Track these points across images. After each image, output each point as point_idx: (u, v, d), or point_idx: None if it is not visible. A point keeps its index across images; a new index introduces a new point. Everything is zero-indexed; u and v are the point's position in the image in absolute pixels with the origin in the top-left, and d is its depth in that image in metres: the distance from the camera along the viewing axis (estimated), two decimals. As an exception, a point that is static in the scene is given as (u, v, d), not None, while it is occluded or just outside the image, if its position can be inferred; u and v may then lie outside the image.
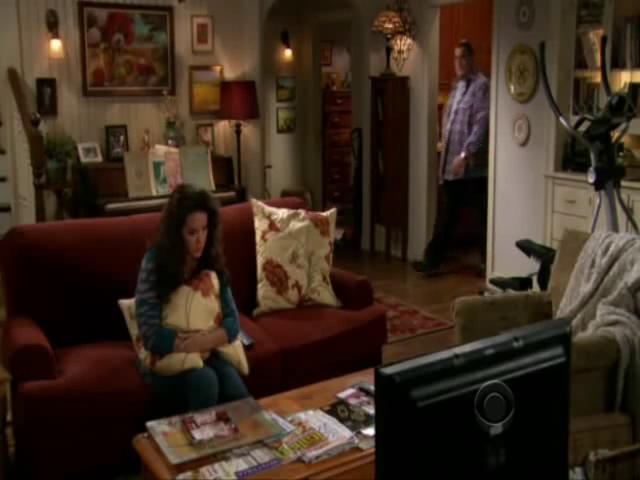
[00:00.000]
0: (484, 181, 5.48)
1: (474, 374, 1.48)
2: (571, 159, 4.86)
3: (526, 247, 4.88)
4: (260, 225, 3.49)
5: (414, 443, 1.41)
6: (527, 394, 1.52)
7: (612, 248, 2.80)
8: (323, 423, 2.31)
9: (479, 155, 5.48)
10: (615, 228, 3.91)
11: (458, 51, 5.49)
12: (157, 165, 5.07)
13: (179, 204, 2.73)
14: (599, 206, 4.02)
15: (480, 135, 5.44)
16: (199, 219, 2.72)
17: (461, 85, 5.56)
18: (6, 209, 5.06)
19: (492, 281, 5.16)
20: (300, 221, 3.49)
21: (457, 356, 1.46)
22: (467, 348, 1.50)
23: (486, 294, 4.77)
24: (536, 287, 4.47)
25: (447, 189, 5.74)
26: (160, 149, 5.22)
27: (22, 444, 2.74)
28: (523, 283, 4.72)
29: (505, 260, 5.40)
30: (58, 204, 5.05)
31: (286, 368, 3.10)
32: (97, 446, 2.71)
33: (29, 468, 2.68)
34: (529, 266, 4.83)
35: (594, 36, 4.69)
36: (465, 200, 5.65)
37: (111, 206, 4.79)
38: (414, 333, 4.61)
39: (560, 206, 4.84)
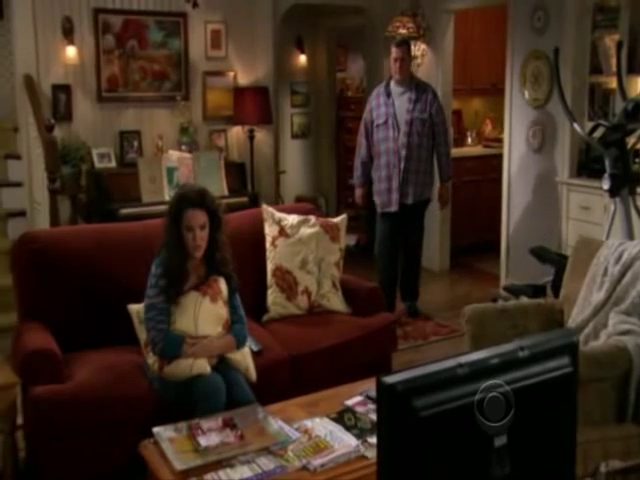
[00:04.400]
0: (428, 201, 4.92)
1: (478, 383, 1.46)
2: (586, 165, 4.82)
3: (540, 254, 4.84)
4: (270, 231, 3.48)
5: (416, 453, 1.39)
6: (533, 404, 1.50)
7: (625, 256, 2.77)
8: (329, 431, 2.30)
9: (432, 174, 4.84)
10: (630, 235, 3.87)
11: (398, 51, 4.63)
12: (170, 170, 5.09)
13: (177, 201, 2.77)
14: (614, 213, 3.98)
15: (449, 154, 4.84)
16: (196, 216, 2.74)
17: (402, 90, 4.68)
18: (22, 214, 5.10)
19: (505, 288, 5.11)
20: (310, 227, 3.48)
21: (461, 365, 1.45)
22: (471, 357, 1.49)
23: (500, 301, 4.73)
24: (550, 294, 4.43)
25: (398, 217, 4.75)
26: (173, 154, 5.24)
27: (32, 447, 2.75)
28: (537, 290, 4.68)
29: (519, 267, 5.35)
30: (72, 209, 5.07)
31: (295, 374, 3.09)
32: (105, 450, 2.72)
33: (38, 471, 2.69)
34: (543, 273, 4.79)
35: (610, 41, 4.65)
36: (409, 221, 4.86)
37: (124, 211, 4.81)
38: (427, 340, 4.58)
39: (575, 213, 4.79)
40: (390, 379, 1.40)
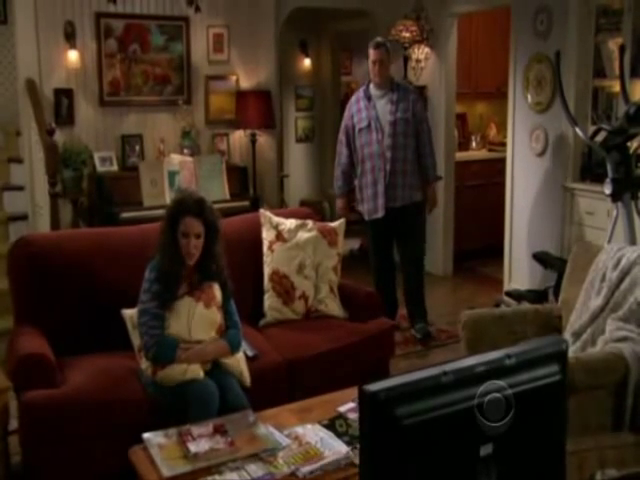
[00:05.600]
0: (420, 205, 4.65)
1: (463, 392, 1.44)
2: (590, 170, 4.78)
3: (543, 259, 4.81)
4: (267, 235, 3.47)
5: (399, 462, 1.37)
6: (520, 413, 1.47)
7: (623, 262, 2.73)
8: (320, 437, 2.27)
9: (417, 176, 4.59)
10: (632, 240, 3.83)
11: (376, 53, 4.41)
12: (172, 174, 5.08)
13: (175, 206, 2.77)
14: (616, 218, 3.94)
15: (434, 153, 4.64)
16: (193, 224, 2.74)
17: (382, 93, 4.49)
18: (24, 217, 5.11)
19: (508, 293, 5.08)
20: (307, 231, 3.47)
21: (445, 373, 1.43)
22: (456, 365, 1.46)
23: (502, 306, 4.70)
24: (552, 300, 4.39)
25: (386, 221, 4.52)
26: (175, 158, 5.24)
27: (26, 452, 2.74)
28: (539, 296, 4.65)
29: (522, 272, 5.31)
30: (74, 213, 5.08)
31: (291, 380, 3.07)
32: (99, 455, 2.70)
33: (34, 476, 2.68)
34: (547, 278, 4.76)
35: (613, 44, 4.61)
36: (401, 230, 4.62)
37: (125, 215, 4.81)
38: (427, 345, 4.54)
39: (578, 217, 4.76)
40: (372, 387, 1.39)
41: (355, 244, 6.83)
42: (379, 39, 4.58)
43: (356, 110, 4.54)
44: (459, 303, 5.27)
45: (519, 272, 5.37)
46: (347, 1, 6.24)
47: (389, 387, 1.39)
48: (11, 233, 5.03)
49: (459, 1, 5.73)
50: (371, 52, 4.46)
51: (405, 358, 4.28)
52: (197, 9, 5.39)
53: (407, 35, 5.87)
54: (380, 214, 4.50)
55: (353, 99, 4.65)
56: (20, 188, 5.17)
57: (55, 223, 4.46)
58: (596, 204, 4.57)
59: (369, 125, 4.46)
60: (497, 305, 4.88)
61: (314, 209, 4.73)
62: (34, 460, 2.67)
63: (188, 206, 2.75)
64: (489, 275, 6.03)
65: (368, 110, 4.48)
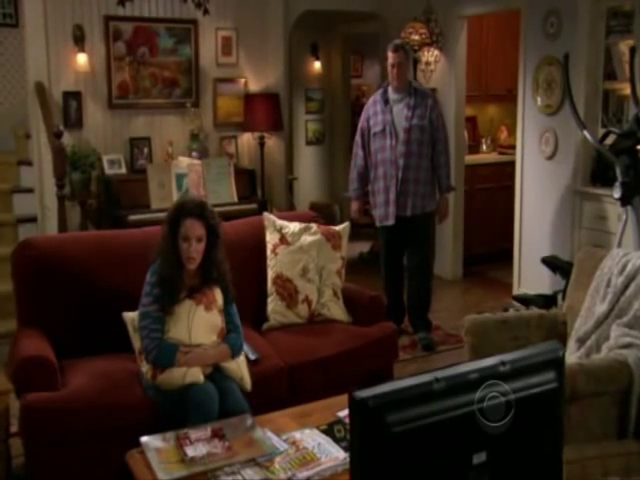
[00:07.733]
0: (432, 214, 4.59)
1: (455, 399, 1.41)
2: (600, 173, 4.72)
3: (552, 263, 4.75)
4: (271, 239, 3.45)
5: (389, 470, 1.35)
6: (514, 421, 1.44)
7: (629, 267, 2.69)
8: (317, 443, 2.25)
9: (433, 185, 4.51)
10: (641, 245, 3.78)
11: (394, 57, 4.30)
12: (180, 177, 5.10)
13: (176, 209, 2.76)
14: (625, 222, 3.90)
15: (449, 163, 4.54)
16: (194, 227, 2.72)
17: (400, 97, 4.37)
18: (33, 219, 5.14)
19: (516, 298, 5.03)
20: (311, 235, 3.45)
21: (437, 380, 1.41)
22: (449, 372, 1.45)
23: (511, 311, 4.65)
24: (561, 304, 4.34)
25: (396, 230, 4.45)
26: (183, 161, 5.25)
27: (28, 455, 2.74)
28: (548, 300, 4.59)
29: (532, 276, 5.27)
30: (82, 215, 5.10)
31: (292, 384, 3.05)
32: (99, 458, 2.69)
33: (34, 479, 2.68)
34: (557, 283, 4.70)
35: (624, 46, 4.57)
36: (410, 238, 4.52)
37: (133, 217, 4.82)
38: (434, 350, 4.51)
39: (588, 222, 4.71)
40: (362, 394, 1.37)
41: (366, 247, 6.81)
42: (397, 42, 4.50)
43: (372, 113, 4.45)
44: (468, 307, 5.23)
45: (529, 276, 5.33)
46: (357, 4, 6.24)
47: (379, 394, 1.37)
48: (20, 235, 5.05)
49: (469, 3, 5.69)
50: (390, 55, 4.35)
51: (412, 362, 4.25)
52: (205, 12, 5.43)
53: (417, 38, 5.85)
54: (390, 222, 4.42)
55: (370, 101, 4.56)
56: (29, 190, 5.20)
57: (62, 225, 4.48)
58: (607, 208, 4.53)
59: (383, 130, 4.37)
60: (506, 310, 4.82)
61: (324, 212, 4.71)
62: (35, 462, 2.67)
63: (189, 209, 2.74)
64: (498, 279, 5.98)
65: (384, 114, 4.38)
